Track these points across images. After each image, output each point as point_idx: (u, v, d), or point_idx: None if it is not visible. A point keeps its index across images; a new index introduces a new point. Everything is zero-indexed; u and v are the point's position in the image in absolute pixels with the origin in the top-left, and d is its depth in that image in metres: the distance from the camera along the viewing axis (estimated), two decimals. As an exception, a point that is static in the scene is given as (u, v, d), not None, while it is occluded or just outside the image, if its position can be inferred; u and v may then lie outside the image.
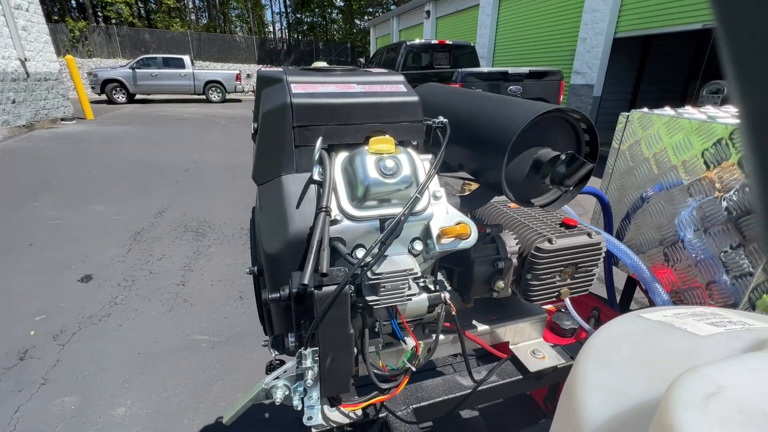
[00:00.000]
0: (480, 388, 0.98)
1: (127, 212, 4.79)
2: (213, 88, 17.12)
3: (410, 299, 0.68)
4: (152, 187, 5.77)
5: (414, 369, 0.72)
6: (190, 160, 7.37)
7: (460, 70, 6.29)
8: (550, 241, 0.89)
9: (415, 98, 0.72)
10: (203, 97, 17.22)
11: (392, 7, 34.98)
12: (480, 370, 1.04)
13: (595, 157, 0.73)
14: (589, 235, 0.93)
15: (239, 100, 19.72)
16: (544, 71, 6.82)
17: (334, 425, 0.74)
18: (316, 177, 0.65)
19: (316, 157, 0.63)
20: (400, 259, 0.65)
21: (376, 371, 0.69)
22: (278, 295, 0.58)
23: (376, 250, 0.61)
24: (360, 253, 0.66)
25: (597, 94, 9.47)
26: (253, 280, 0.81)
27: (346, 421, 0.71)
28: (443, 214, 0.69)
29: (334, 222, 0.62)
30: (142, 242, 4.05)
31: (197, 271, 3.55)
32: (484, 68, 6.56)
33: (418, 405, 0.93)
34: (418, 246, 0.70)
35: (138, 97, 17.24)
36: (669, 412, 0.35)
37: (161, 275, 3.45)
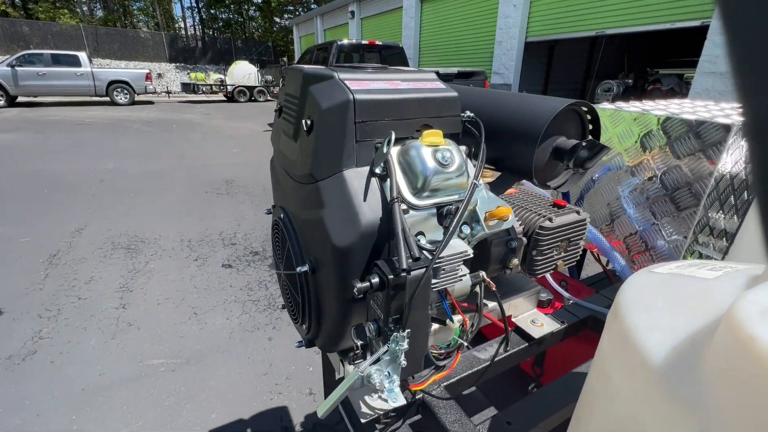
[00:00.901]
0: (496, 359, 1.06)
1: (35, 233, 4.13)
2: (119, 89, 15.32)
3: (461, 279, 0.73)
4: (62, 202, 5.03)
5: (466, 344, 0.78)
6: (104, 169, 6.56)
7: (395, 70, 6.46)
8: (550, 220, 1.00)
9: (454, 94, 0.78)
10: (107, 99, 15.32)
11: (313, 6, 34.47)
12: (491, 344, 1.13)
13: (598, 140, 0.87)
14: (578, 212, 1.07)
15: (151, 102, 17.92)
16: (470, 72, 7.30)
17: (401, 405, 0.76)
18: (377, 170, 0.67)
19: (386, 150, 0.65)
20: (454, 243, 0.70)
21: (432, 351, 0.73)
22: (369, 283, 0.60)
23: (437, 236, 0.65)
24: (422, 239, 0.70)
25: (514, 93, 10.38)
26: (302, 280, 0.79)
27: (403, 402, 0.73)
28: (485, 199, 0.76)
29: (404, 212, 0.65)
30: (62, 265, 3.53)
31: (138, 291, 3.20)
32: (416, 69, 6.82)
33: (447, 382, 0.99)
34: (466, 230, 0.76)
35: (21, 99, 14.79)
36: (740, 325, 0.46)
37: (94, 300, 3.05)
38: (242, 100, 19.24)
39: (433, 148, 0.69)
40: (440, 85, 0.79)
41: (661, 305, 0.64)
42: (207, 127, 11.70)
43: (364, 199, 0.67)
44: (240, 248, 4.04)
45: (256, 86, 19.66)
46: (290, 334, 2.77)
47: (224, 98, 20.03)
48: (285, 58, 32.70)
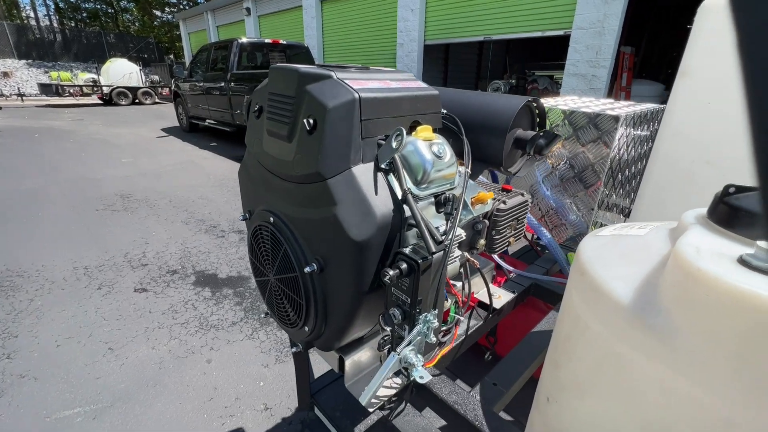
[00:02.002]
0: (470, 332, 1.17)
1: None
2: (-54, 92, 12.19)
3: (455, 261, 0.80)
4: None
5: (463, 318, 0.85)
6: (-57, 193, 5.22)
7: (305, 70, 6.36)
8: (504, 202, 1.14)
9: (436, 92, 0.84)
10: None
11: (201, 1, 31.66)
12: (462, 320, 1.23)
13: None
14: (522, 194, 1.23)
15: (-3, 108, 14.66)
16: (379, 72, 7.52)
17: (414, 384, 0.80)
18: (382, 165, 0.70)
19: (396, 145, 0.68)
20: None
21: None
22: (399, 270, 0.62)
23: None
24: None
25: (419, 93, 10.99)
26: (307, 281, 0.78)
27: (430, 378, 0.77)
28: (468, 187, 0.84)
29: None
30: None
31: (25, 335, 2.65)
32: (393, 69, 6.82)
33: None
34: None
35: None
36: (686, 261, 0.61)
37: (-39, 356, 2.44)
38: (123, 103, 16.87)
39: (429, 142, 0.75)
40: (422, 84, 0.85)
41: (615, 260, 0.79)
42: (82, 135, 10.04)
43: (376, 194, 0.69)
44: (153, 269, 3.60)
45: (141, 87, 17.42)
46: (233, 351, 2.58)
47: (99, 101, 17.30)
48: (172, 56, 29.53)
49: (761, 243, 0.59)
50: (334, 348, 0.88)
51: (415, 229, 0.71)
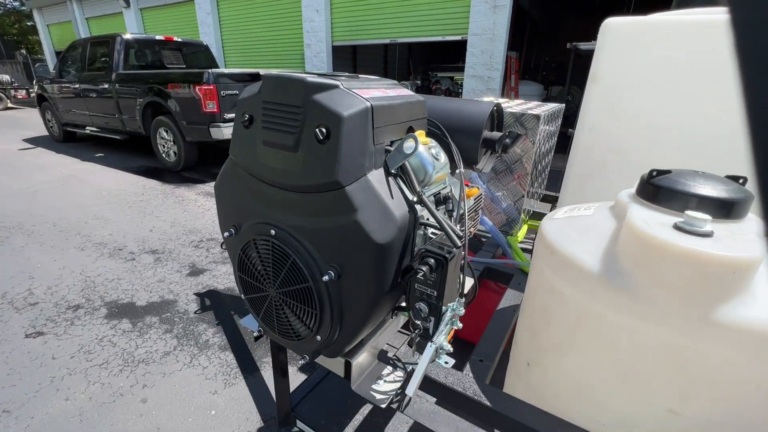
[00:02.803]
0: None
1: None
2: None
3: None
4: None
5: (463, 300, 0.92)
6: None
7: (210, 71, 5.90)
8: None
9: (423, 99, 0.88)
10: None
11: (59, -13, 26.88)
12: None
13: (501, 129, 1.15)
14: (478, 188, 1.37)
15: None
16: (291, 73, 7.33)
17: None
18: (392, 170, 0.72)
19: (409, 150, 0.70)
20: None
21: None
22: (428, 266, 0.65)
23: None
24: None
25: (331, 94, 10.97)
26: (322, 289, 0.77)
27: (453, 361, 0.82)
28: (455, 184, 0.92)
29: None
30: None
31: None
32: (236, 69, 6.40)
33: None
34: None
35: None
36: (639, 229, 0.77)
37: None
38: (-40, 109, 13.57)
39: (426, 146, 0.80)
40: (409, 91, 0.90)
41: (576, 237, 0.95)
42: None
43: (392, 197, 0.72)
44: (47, 307, 3.03)
45: (-16, 90, 14.21)
46: (171, 385, 2.32)
47: None
48: (24, 52, 24.57)
49: (689, 212, 0.78)
50: (343, 353, 0.88)
51: (422, 228, 0.76)
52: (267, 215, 0.85)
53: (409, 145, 0.76)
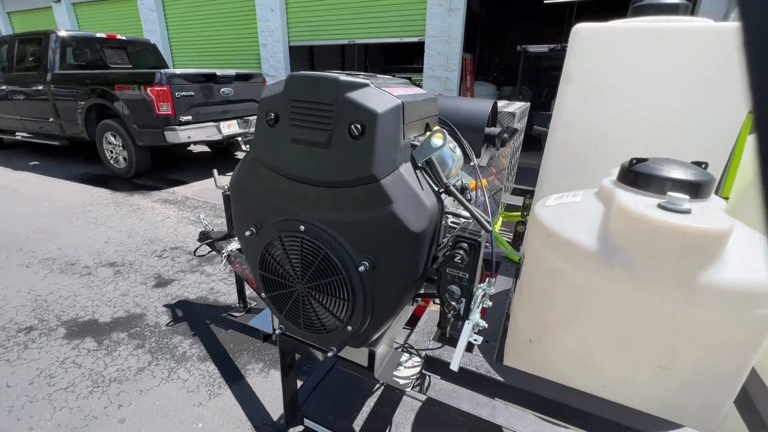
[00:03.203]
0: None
1: None
2: None
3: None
4: None
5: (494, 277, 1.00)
6: None
7: (163, 71, 5.60)
8: (461, 189, 1.33)
9: (434, 96, 0.93)
10: None
11: (-32, -23, 23.98)
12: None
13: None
14: (463, 181, 1.45)
15: None
16: (248, 74, 7.14)
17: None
18: (419, 164, 0.76)
19: (439, 144, 0.75)
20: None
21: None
22: (463, 250, 0.70)
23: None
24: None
25: (289, 95, 10.77)
26: (358, 279, 0.81)
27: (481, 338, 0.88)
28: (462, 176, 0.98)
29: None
30: None
31: None
32: (191, 70, 6.11)
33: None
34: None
35: None
36: (627, 209, 0.88)
37: None
38: None
39: (443, 141, 0.85)
40: (422, 89, 0.94)
41: (571, 222, 1.05)
42: None
43: (422, 189, 0.77)
44: (-6, 331, 2.74)
45: None
46: (151, 402, 2.21)
47: None
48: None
49: (671, 194, 0.89)
50: (369, 342, 0.91)
51: (444, 218, 0.82)
52: (294, 212, 0.86)
53: (437, 140, 0.81)
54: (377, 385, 1.52)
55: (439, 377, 1.03)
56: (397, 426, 1.36)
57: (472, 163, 1.29)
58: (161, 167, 7.26)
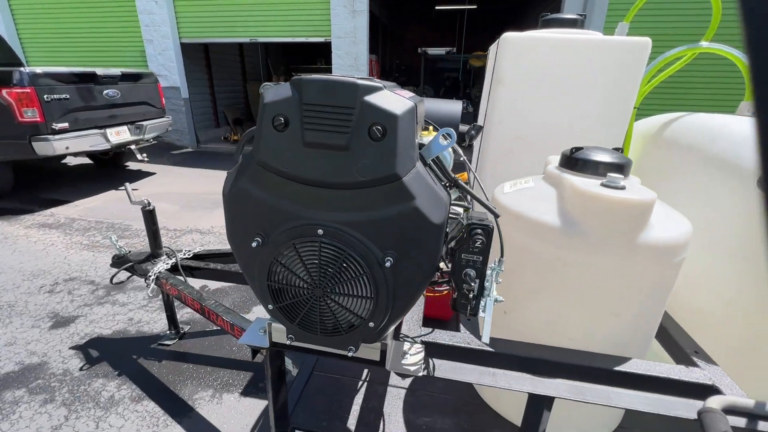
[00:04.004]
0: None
1: None
2: None
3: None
4: None
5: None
6: None
7: (25, 69, 4.65)
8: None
9: (422, 99, 0.98)
10: None
11: None
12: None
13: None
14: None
15: None
16: (137, 74, 6.33)
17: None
18: (428, 161, 0.81)
19: (447, 143, 0.80)
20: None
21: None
22: (483, 236, 0.78)
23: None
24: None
25: (185, 96, 9.82)
26: (382, 275, 0.85)
27: None
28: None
29: (449, 186, 0.86)
30: None
31: None
32: (64, 68, 5.15)
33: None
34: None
35: None
36: (584, 190, 1.06)
37: None
38: None
39: (450, 140, 0.93)
40: (409, 92, 0.99)
41: (531, 204, 1.22)
42: None
43: (435, 183, 0.82)
44: None
45: None
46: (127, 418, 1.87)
47: None
48: None
49: (611, 174, 1.10)
50: (384, 336, 0.94)
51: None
52: (308, 216, 0.84)
53: (443, 139, 0.88)
54: (360, 382, 1.54)
55: (440, 359, 1.11)
56: (389, 416, 1.40)
57: (461, 159, 1.39)
58: (28, 186, 6.02)
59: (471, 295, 0.88)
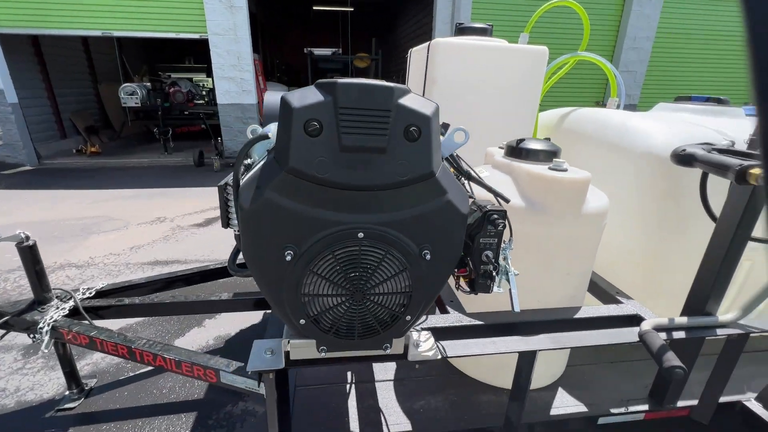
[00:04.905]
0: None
1: None
2: None
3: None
4: None
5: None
6: None
7: None
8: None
9: None
10: None
11: None
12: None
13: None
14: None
15: None
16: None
17: None
18: (446, 156, 0.87)
19: (464, 140, 0.87)
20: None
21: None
22: (503, 221, 0.87)
23: None
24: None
25: (12, 101, 7.83)
26: (420, 269, 0.89)
27: None
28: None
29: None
30: None
31: None
32: None
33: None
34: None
35: None
36: (542, 175, 1.27)
37: None
38: None
39: (466, 137, 1.00)
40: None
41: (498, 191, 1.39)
42: None
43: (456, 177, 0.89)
44: None
45: None
46: None
47: None
48: None
49: (556, 160, 1.33)
50: (411, 327, 0.97)
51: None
52: (345, 221, 0.81)
53: (461, 136, 0.94)
54: (348, 386, 1.53)
55: (443, 341, 1.19)
56: (387, 409, 1.43)
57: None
58: None
59: (494, 274, 0.99)
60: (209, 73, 11.11)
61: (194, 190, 6.44)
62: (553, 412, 1.44)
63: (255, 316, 2.96)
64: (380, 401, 1.43)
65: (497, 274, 0.99)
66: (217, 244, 4.39)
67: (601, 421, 1.44)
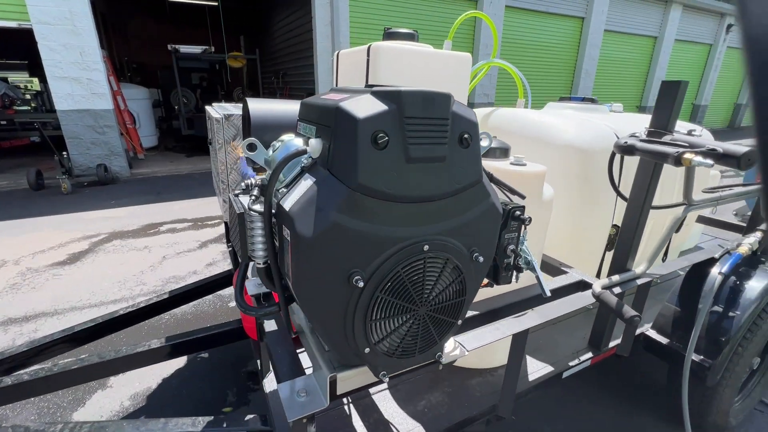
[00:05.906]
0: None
1: None
2: None
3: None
4: None
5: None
6: None
7: None
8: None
9: None
10: None
11: None
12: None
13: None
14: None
15: None
16: None
17: None
18: None
19: (487, 143, 0.88)
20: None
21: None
22: (520, 216, 0.92)
23: None
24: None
25: None
26: (471, 273, 0.89)
27: None
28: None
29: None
30: None
31: None
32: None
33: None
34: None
35: None
36: (504, 170, 1.41)
37: None
38: None
39: (489, 141, 1.03)
40: None
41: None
42: None
43: None
44: None
45: None
46: None
47: None
48: None
49: (516, 156, 1.49)
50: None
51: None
52: (409, 235, 0.76)
53: (487, 140, 0.96)
54: (344, 406, 1.43)
55: (455, 337, 1.22)
56: (393, 418, 1.39)
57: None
58: None
59: (520, 264, 1.06)
60: (33, 72, 8.88)
61: (41, 221, 5.07)
62: (531, 378, 1.62)
63: (172, 361, 2.52)
64: (384, 413, 1.40)
65: (521, 264, 1.08)
66: (100, 282, 3.57)
67: (565, 375, 1.69)
